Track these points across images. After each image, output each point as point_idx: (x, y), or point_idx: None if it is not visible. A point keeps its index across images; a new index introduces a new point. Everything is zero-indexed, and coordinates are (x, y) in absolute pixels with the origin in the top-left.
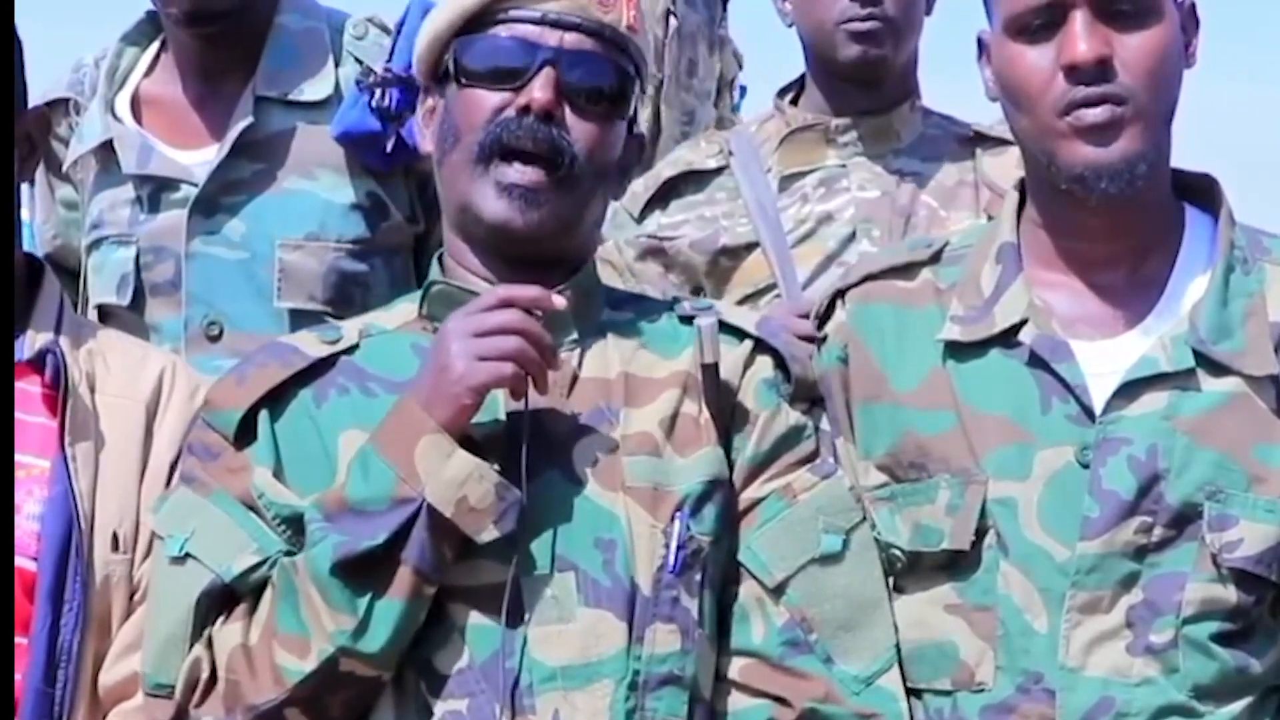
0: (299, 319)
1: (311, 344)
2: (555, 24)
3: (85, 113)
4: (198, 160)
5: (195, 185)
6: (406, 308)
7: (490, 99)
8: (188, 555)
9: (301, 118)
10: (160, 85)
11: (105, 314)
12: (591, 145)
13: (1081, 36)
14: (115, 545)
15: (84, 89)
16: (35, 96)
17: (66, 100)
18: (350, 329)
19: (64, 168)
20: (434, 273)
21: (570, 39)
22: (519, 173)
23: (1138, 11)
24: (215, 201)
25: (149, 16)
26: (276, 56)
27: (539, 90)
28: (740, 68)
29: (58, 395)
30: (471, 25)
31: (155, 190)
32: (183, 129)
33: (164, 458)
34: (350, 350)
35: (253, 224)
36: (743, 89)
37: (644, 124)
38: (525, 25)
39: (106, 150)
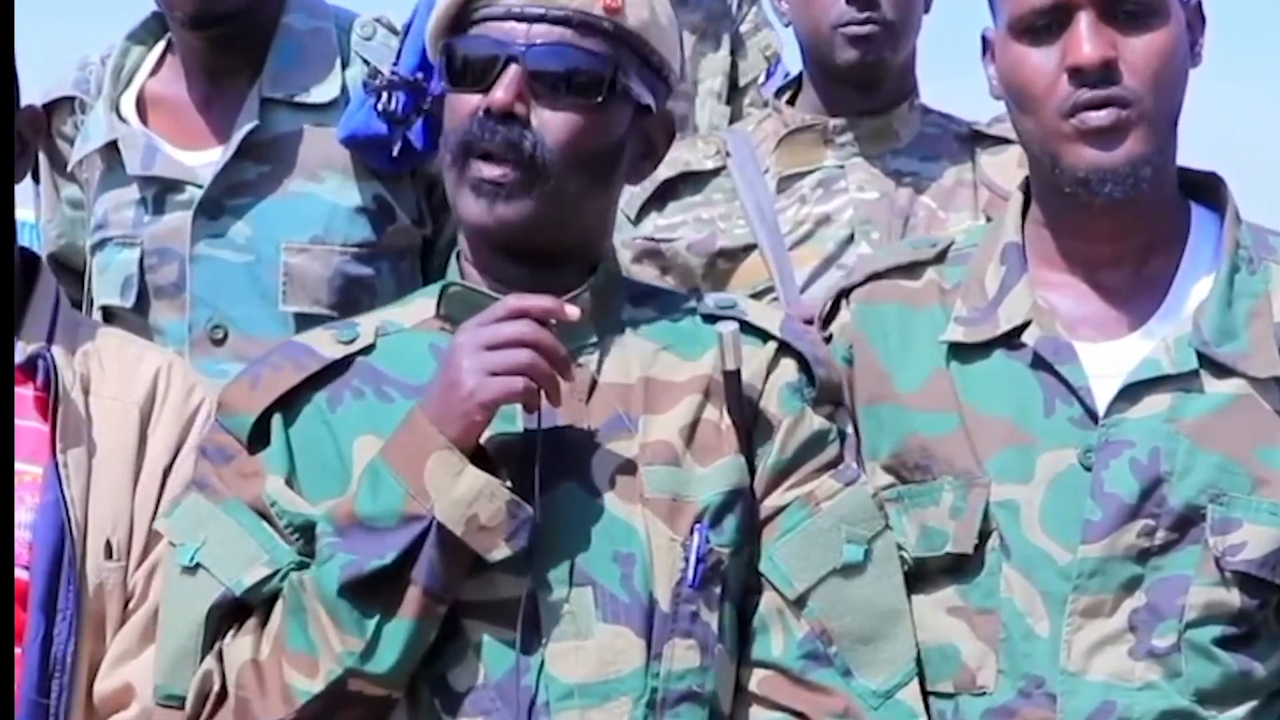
0: (304, 323)
1: (326, 344)
2: (521, 17)
3: (91, 112)
4: (203, 162)
5: (200, 187)
6: (423, 303)
7: (467, 102)
8: (199, 565)
9: (308, 120)
10: (166, 85)
11: (109, 316)
12: (564, 136)
13: (1086, 38)
14: (109, 552)
15: (90, 88)
16: (38, 95)
17: (72, 99)
18: (367, 326)
19: (69, 167)
20: (452, 272)
21: (538, 30)
22: (488, 169)
23: (1143, 13)
24: (220, 204)
25: (155, 15)
26: (282, 57)
27: (500, 90)
28: (769, 61)
29: (49, 399)
30: (454, 27)
31: (160, 192)
32: (188, 130)
33: (158, 462)
34: (366, 350)
35: (258, 227)
36: (786, 74)
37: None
38: (494, 23)
39: (111, 150)
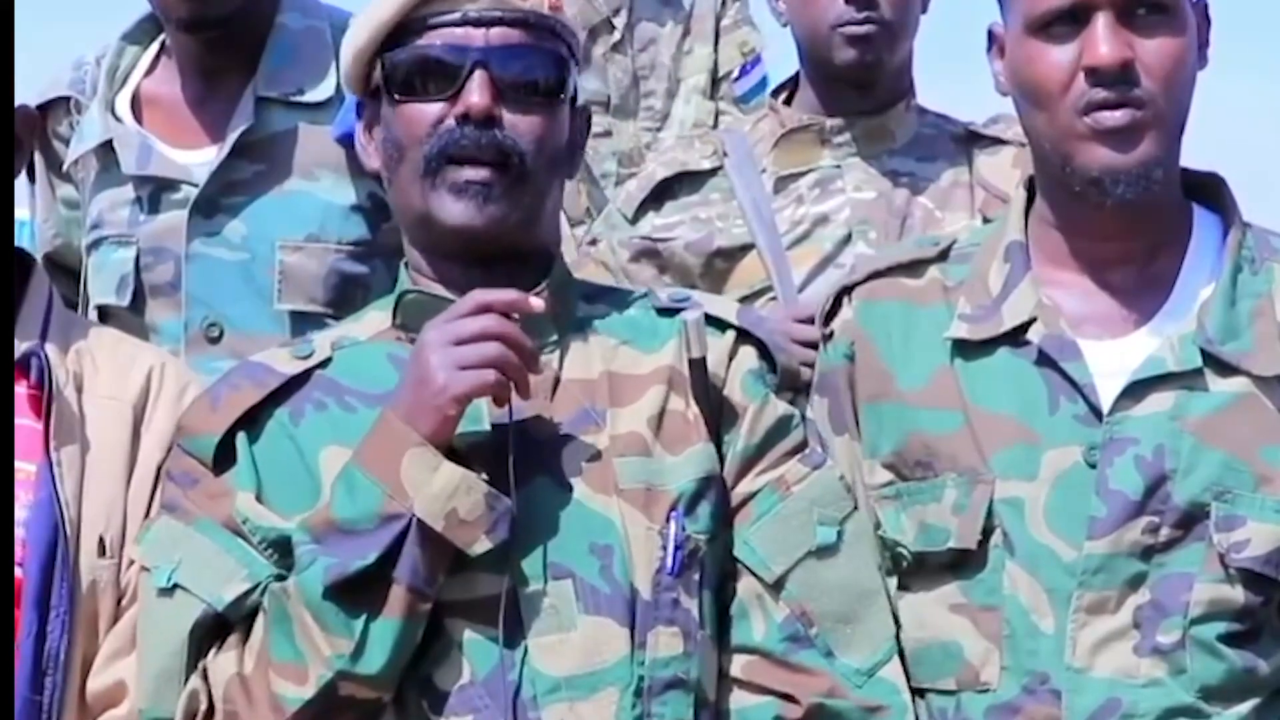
0: (299, 321)
1: (283, 361)
2: (478, 22)
3: (86, 112)
4: (198, 161)
5: (195, 186)
6: (377, 316)
7: (428, 111)
8: (176, 586)
9: (303, 118)
10: (161, 84)
11: (105, 315)
12: (537, 138)
13: (1105, 39)
14: (102, 550)
15: (85, 87)
16: (34, 95)
17: (67, 99)
18: (322, 342)
19: (64, 167)
20: (404, 281)
21: (496, 34)
22: (471, 172)
23: (1159, 16)
24: (215, 202)
25: (150, 16)
26: (277, 57)
27: (475, 95)
28: (745, 58)
29: (43, 397)
30: (395, 37)
31: (155, 191)
32: (183, 129)
33: (151, 460)
34: (323, 364)
35: (253, 225)
36: (764, 79)
37: (587, 93)
38: (448, 29)
39: (106, 150)
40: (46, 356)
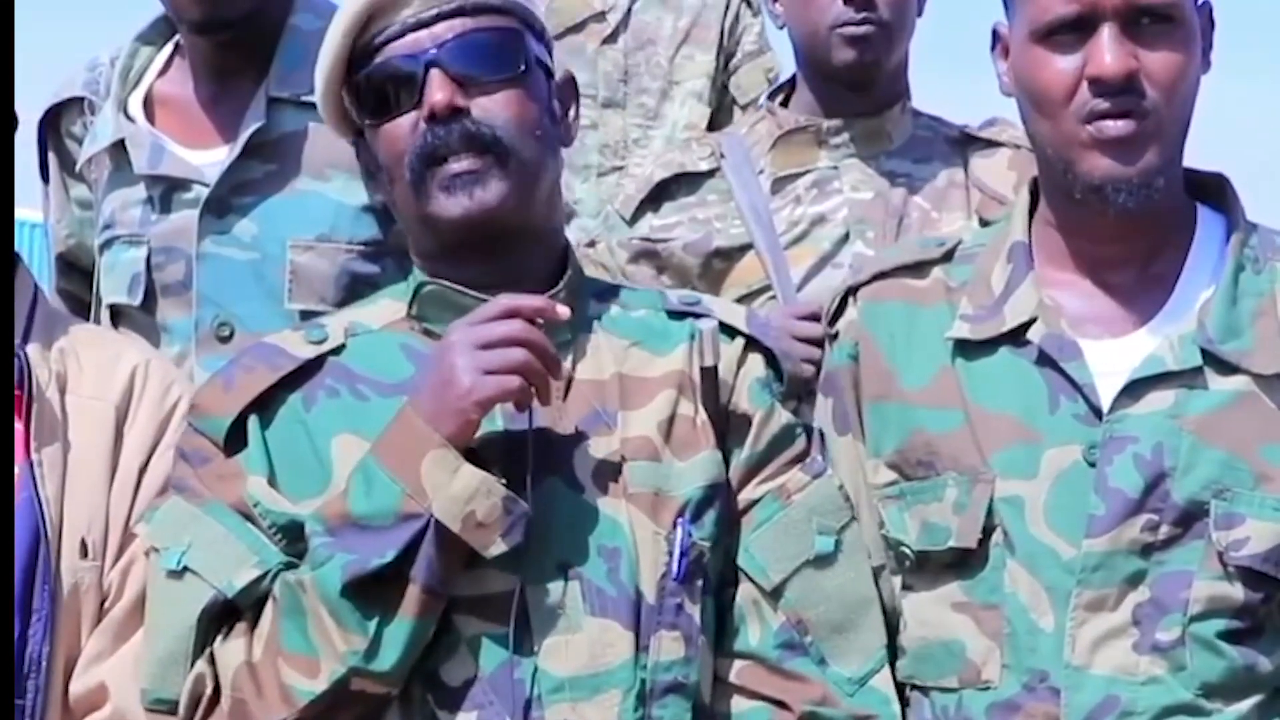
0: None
1: (297, 344)
2: (418, 25)
3: (99, 112)
4: (209, 161)
5: (207, 186)
6: (391, 304)
7: (401, 124)
8: (186, 569)
9: (314, 118)
10: (174, 85)
11: (117, 314)
12: (509, 113)
13: (1109, 50)
14: (84, 552)
15: (99, 88)
16: (49, 95)
17: (81, 99)
18: (335, 327)
19: (78, 167)
20: (417, 275)
21: (441, 30)
22: (455, 165)
23: (1164, 26)
24: (226, 202)
25: (164, 17)
26: (289, 57)
27: (436, 93)
28: (770, 83)
29: (24, 398)
30: (351, 68)
31: (167, 190)
32: (195, 129)
33: (133, 461)
34: (337, 351)
35: (264, 225)
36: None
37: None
38: (395, 42)
39: (119, 150)
40: (26, 357)
